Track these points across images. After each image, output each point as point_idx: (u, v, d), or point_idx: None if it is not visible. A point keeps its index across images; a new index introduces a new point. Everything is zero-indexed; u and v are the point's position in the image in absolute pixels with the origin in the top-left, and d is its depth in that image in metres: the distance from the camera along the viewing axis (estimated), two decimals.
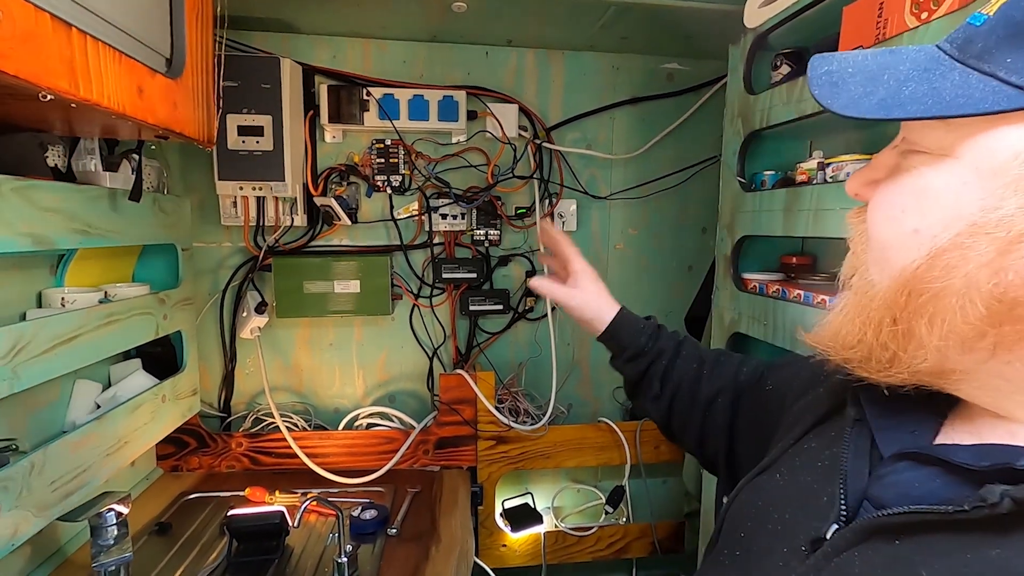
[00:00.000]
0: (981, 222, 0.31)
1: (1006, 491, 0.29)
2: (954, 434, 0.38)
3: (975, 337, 0.32)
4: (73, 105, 0.60)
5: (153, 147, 1.21)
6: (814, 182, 0.94)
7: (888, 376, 0.37)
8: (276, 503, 1.17)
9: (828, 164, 0.91)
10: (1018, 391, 0.34)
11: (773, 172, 1.07)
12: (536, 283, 0.82)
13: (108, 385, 1.09)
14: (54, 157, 0.91)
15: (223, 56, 0.93)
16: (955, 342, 0.33)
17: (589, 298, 0.79)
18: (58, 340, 0.81)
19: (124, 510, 0.86)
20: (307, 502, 0.91)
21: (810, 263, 1.14)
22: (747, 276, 1.10)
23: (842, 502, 0.39)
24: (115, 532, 0.83)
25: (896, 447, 0.39)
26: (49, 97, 0.55)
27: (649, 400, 0.78)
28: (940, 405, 0.39)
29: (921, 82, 0.33)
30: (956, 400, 0.39)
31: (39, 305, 0.93)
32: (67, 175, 0.94)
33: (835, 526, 0.38)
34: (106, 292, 1.00)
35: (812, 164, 0.95)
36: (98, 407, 1.03)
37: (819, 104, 0.36)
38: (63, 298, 0.92)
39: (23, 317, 0.88)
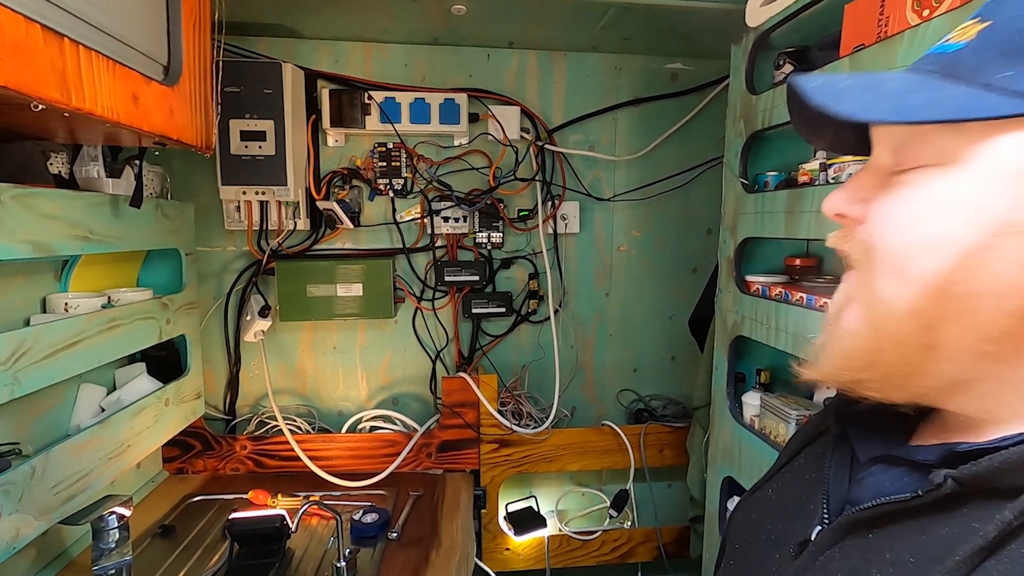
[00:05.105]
0: (1010, 221, 0.31)
1: (948, 473, 0.32)
2: (924, 439, 0.40)
3: (1006, 338, 0.32)
4: (66, 114, 0.60)
5: (156, 153, 1.23)
6: (816, 183, 0.92)
7: (899, 391, 0.37)
8: (278, 506, 1.18)
9: (830, 165, 0.89)
10: (1012, 391, 0.34)
11: (776, 173, 1.05)
12: None
13: (112, 389, 1.10)
14: (57, 164, 0.92)
15: (222, 62, 0.93)
16: (987, 344, 0.33)
17: None
18: (60, 345, 0.82)
19: (126, 513, 0.86)
20: (306, 506, 0.91)
21: (815, 265, 1.12)
22: (750, 278, 1.08)
23: (824, 507, 0.42)
24: (116, 535, 0.84)
25: (871, 453, 0.41)
26: (40, 107, 0.56)
27: None
28: (914, 415, 0.41)
29: (923, 93, 0.33)
30: (931, 410, 0.40)
31: (43, 310, 0.94)
32: (70, 182, 0.95)
33: (818, 527, 0.41)
34: (109, 297, 1.01)
35: (814, 165, 0.93)
36: (102, 411, 1.04)
37: (823, 111, 0.33)
38: (66, 303, 0.93)
39: (27, 322, 0.89)
